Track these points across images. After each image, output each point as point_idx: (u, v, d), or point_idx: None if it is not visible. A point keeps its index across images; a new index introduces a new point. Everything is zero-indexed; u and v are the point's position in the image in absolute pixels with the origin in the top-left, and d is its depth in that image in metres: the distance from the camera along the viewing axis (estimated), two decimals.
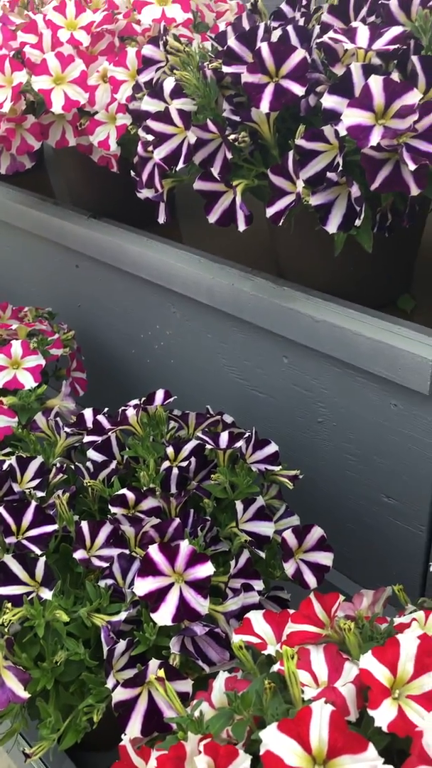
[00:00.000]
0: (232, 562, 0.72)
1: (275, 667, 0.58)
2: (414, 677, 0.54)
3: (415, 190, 0.68)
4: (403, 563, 0.94)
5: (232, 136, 0.74)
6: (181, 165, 0.79)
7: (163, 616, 0.65)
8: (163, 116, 0.80)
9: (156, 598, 0.65)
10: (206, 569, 0.66)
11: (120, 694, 0.60)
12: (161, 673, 0.58)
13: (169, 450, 0.81)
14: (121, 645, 0.64)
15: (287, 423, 1.00)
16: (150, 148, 0.82)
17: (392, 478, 0.90)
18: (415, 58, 0.67)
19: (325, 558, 0.78)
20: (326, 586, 0.74)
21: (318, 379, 0.93)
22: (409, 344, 0.79)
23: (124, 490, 0.77)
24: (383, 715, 0.51)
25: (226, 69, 0.75)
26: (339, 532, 0.98)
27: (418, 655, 0.54)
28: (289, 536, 0.77)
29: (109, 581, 0.71)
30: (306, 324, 0.88)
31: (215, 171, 0.76)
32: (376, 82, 0.64)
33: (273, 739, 0.49)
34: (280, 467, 0.83)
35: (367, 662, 0.54)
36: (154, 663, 0.61)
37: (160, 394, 0.88)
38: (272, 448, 0.83)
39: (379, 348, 0.81)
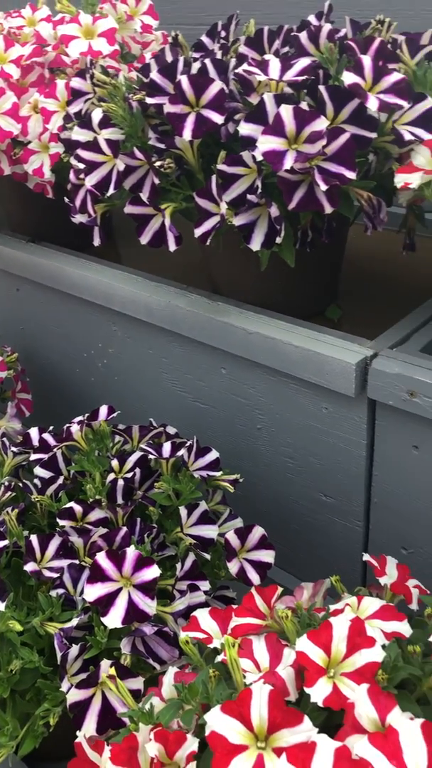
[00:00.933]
0: (178, 565, 0.76)
1: (219, 658, 0.62)
2: (347, 656, 0.58)
3: (328, 209, 0.73)
4: (343, 558, 0.99)
5: (158, 163, 0.79)
6: (111, 191, 0.83)
7: (113, 619, 0.68)
8: (93, 145, 0.84)
9: (106, 602, 0.68)
10: (152, 572, 0.69)
11: (74, 695, 0.63)
12: (112, 671, 0.61)
13: (114, 463, 0.84)
14: (74, 650, 0.67)
15: (229, 431, 1.05)
16: (82, 176, 0.86)
17: (329, 478, 0.95)
18: (322, 88, 0.73)
19: (267, 555, 0.82)
20: (270, 583, 0.78)
21: (255, 387, 0.98)
22: (334, 351, 0.85)
23: (71, 504, 0.80)
24: (318, 692, 0.55)
25: (149, 100, 0.80)
26: (283, 532, 1.03)
27: (350, 636, 0.59)
28: (231, 537, 0.81)
29: (60, 591, 0.74)
30: (240, 336, 0.93)
31: (144, 196, 0.80)
32: (286, 111, 0.70)
33: (217, 720, 0.52)
34: (221, 473, 0.87)
35: (302, 645, 0.58)
36: (105, 663, 0.64)
37: (103, 410, 0.92)
38: (213, 455, 0.87)
39: (307, 355, 0.87)
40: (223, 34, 0.97)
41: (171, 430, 0.95)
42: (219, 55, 0.88)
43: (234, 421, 1.03)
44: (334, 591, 0.76)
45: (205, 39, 0.97)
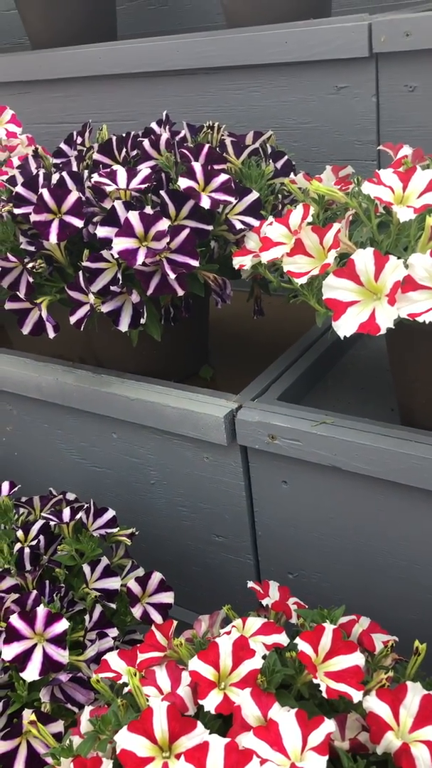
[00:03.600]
0: (87, 617, 0.85)
1: (126, 689, 0.71)
2: (233, 669, 0.69)
3: (180, 292, 0.86)
4: (241, 591, 1.10)
5: (30, 264, 0.90)
6: None
7: (32, 672, 0.76)
8: None
9: (23, 658, 0.76)
10: (62, 625, 0.78)
11: (0, 747, 0.70)
12: (33, 717, 0.69)
13: (19, 533, 0.92)
14: None
15: (126, 490, 1.15)
16: None
17: (218, 520, 1.07)
18: (163, 192, 0.87)
19: (167, 597, 0.92)
20: (180, 624, 0.88)
21: (144, 447, 1.09)
22: (205, 407, 0.97)
23: None
24: (210, 702, 0.65)
25: (17, 211, 0.91)
26: (184, 574, 1.13)
27: (234, 651, 0.69)
28: (132, 585, 0.90)
29: None
30: (124, 403, 1.04)
31: (21, 293, 0.91)
32: (134, 216, 0.83)
33: (125, 738, 0.62)
34: (118, 529, 0.96)
35: (194, 665, 0.68)
36: (26, 712, 0.72)
37: (5, 486, 1.00)
38: (110, 514, 0.97)
39: (183, 414, 0.99)
40: (79, 140, 1.11)
41: (70, 496, 1.04)
42: (75, 163, 1.01)
43: (129, 479, 1.14)
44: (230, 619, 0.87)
45: (63, 146, 1.11)
